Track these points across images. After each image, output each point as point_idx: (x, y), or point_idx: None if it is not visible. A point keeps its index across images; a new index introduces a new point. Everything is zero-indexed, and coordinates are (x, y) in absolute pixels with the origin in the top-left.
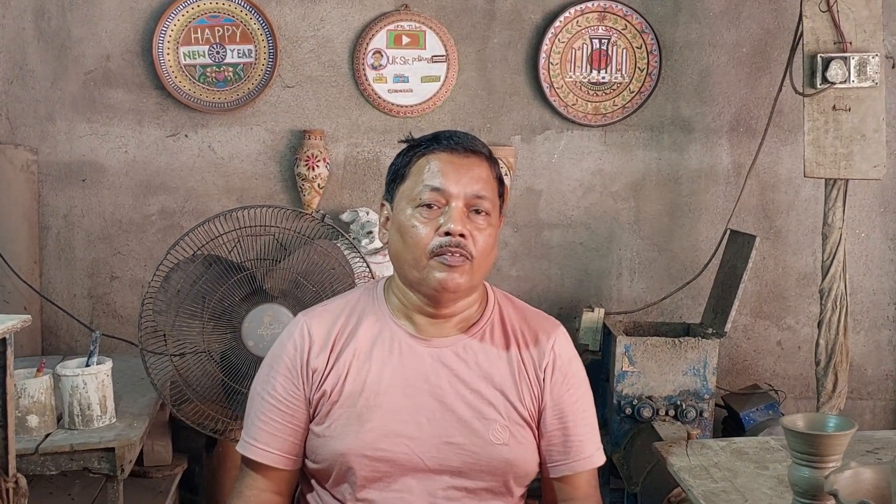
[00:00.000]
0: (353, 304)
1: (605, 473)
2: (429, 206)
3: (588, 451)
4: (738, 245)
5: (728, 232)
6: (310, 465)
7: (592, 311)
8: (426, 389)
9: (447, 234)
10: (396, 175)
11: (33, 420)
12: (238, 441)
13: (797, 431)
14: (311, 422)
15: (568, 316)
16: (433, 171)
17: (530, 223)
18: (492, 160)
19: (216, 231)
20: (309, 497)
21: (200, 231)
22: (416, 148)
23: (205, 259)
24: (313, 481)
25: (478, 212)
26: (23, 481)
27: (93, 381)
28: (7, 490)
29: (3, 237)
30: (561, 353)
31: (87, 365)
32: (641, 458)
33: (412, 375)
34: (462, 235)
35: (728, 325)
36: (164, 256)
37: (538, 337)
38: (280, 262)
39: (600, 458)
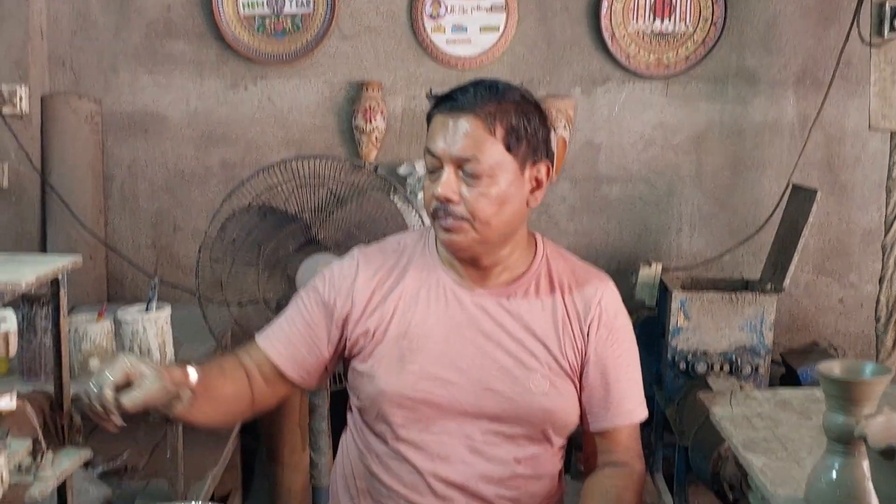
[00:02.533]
0: (405, 247)
1: (659, 428)
2: (431, 170)
3: (629, 406)
4: (800, 200)
5: (790, 186)
6: (354, 401)
7: (650, 266)
8: (468, 337)
9: (435, 198)
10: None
11: (94, 363)
12: (299, 392)
13: (831, 377)
14: (337, 352)
15: (625, 272)
16: (431, 133)
17: (589, 177)
18: (494, 116)
19: (272, 181)
20: (353, 432)
21: (256, 181)
22: (433, 108)
23: (260, 209)
24: (357, 418)
25: (471, 175)
26: (77, 419)
27: (152, 326)
28: (62, 426)
29: (68, 187)
30: (607, 307)
31: (147, 311)
32: (693, 413)
33: (455, 322)
34: (449, 200)
35: (787, 281)
36: (221, 205)
37: (585, 291)
38: (334, 213)
39: (641, 414)
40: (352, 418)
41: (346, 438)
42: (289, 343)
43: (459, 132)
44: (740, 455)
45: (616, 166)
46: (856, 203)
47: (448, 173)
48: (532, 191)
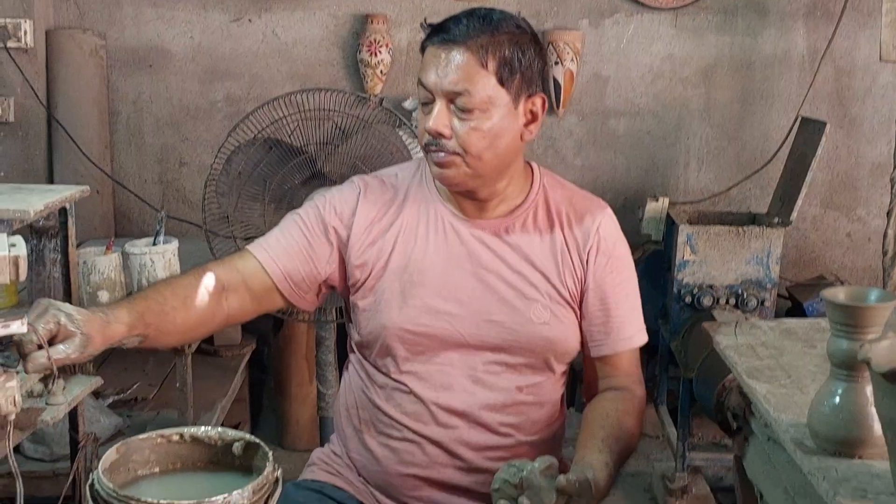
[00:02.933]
0: (402, 179)
1: (664, 362)
2: (424, 102)
3: (629, 331)
4: (809, 132)
5: (799, 119)
6: (356, 337)
7: (657, 200)
8: (468, 269)
9: (427, 131)
10: None
11: (104, 296)
12: (303, 322)
13: (836, 303)
14: (331, 279)
15: (632, 206)
16: (424, 65)
17: (596, 111)
18: (487, 48)
19: (277, 114)
20: (355, 367)
21: (261, 114)
22: (426, 38)
23: (265, 142)
24: (360, 354)
25: (463, 108)
26: None
27: (160, 259)
28: None
29: (74, 122)
30: (605, 235)
31: (154, 244)
32: (698, 346)
33: (455, 255)
34: (440, 134)
35: (794, 214)
36: (226, 138)
37: (583, 219)
38: (340, 146)
39: (641, 339)
40: (353, 353)
41: (347, 373)
42: (285, 255)
43: (451, 65)
44: (744, 382)
45: (623, 100)
46: (865, 136)
47: (440, 107)
48: (527, 124)
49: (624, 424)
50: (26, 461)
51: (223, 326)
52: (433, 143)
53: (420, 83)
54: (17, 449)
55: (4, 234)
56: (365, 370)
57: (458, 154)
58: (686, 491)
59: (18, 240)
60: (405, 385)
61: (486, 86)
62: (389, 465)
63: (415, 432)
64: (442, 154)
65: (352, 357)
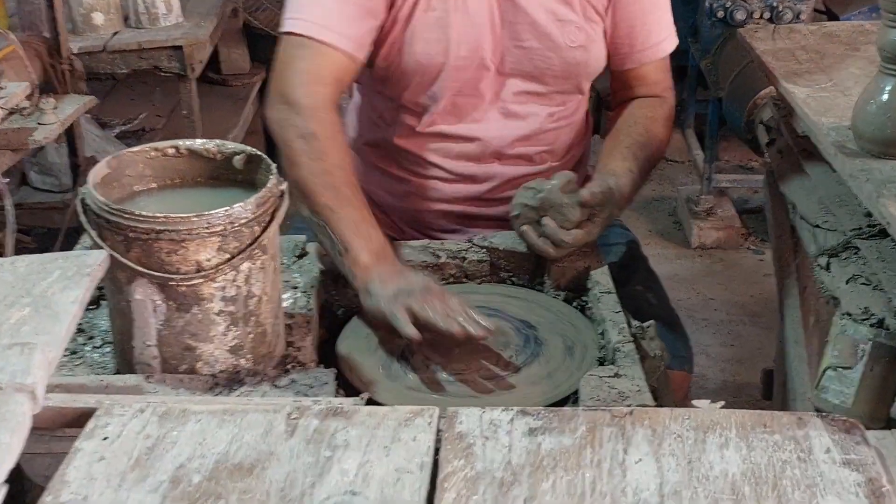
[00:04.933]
0: None
1: (692, 83)
2: None
3: (656, 38)
4: None
5: None
6: (377, 75)
7: None
8: None
9: None
10: None
11: (98, 18)
12: None
13: None
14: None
15: None
16: None
17: None
18: None
19: None
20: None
21: None
22: None
23: None
24: (374, 91)
25: None
26: (78, 63)
27: None
28: (62, 72)
29: None
30: None
31: None
32: (730, 62)
33: None
34: None
35: None
36: None
37: None
38: None
39: (670, 45)
40: (363, 93)
41: (357, 115)
42: (356, 25)
43: None
44: (782, 88)
45: None
46: None
47: None
48: None
49: (651, 130)
50: (35, 192)
51: None
52: None
53: None
54: (24, 181)
55: None
56: (379, 109)
57: None
58: (711, 213)
59: None
60: (433, 127)
61: None
62: (418, 203)
63: (441, 168)
64: None
65: (361, 97)
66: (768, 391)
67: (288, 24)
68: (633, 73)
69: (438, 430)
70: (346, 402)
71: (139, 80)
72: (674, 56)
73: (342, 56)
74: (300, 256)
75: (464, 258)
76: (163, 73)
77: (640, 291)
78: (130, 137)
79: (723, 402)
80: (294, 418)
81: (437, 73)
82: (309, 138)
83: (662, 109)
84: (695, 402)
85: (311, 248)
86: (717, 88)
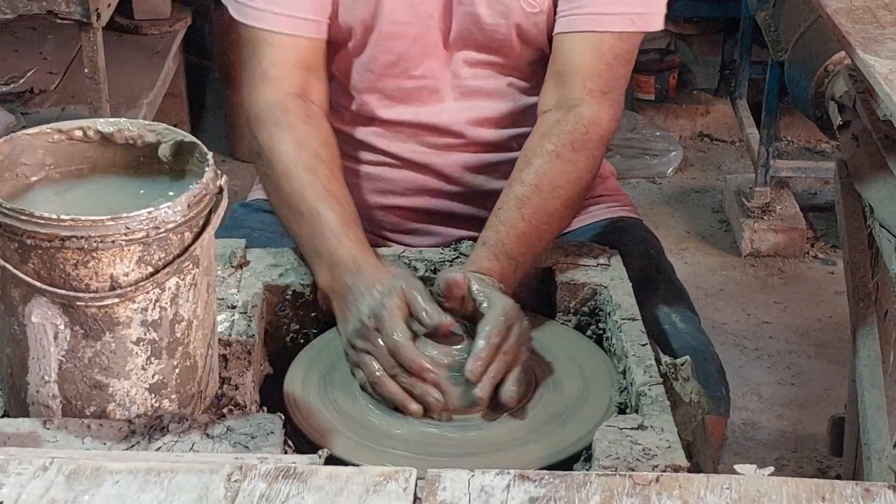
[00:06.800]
0: None
1: (746, 40)
2: None
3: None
4: None
5: None
6: None
7: None
8: None
9: None
10: None
11: None
12: None
13: None
14: None
15: None
16: None
17: None
18: None
19: None
20: None
21: None
22: None
23: None
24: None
25: None
26: None
27: None
28: None
29: None
30: None
31: None
32: (795, 17)
33: None
34: None
35: None
36: None
37: None
38: None
39: (630, 24)
40: None
41: None
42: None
43: None
44: (858, 58)
45: None
46: None
47: None
48: None
49: (551, 175)
50: None
51: None
52: None
53: None
54: None
55: None
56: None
57: None
58: (768, 210)
59: None
60: (392, 117)
61: None
62: (365, 195)
63: (393, 156)
64: None
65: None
66: (837, 446)
67: (233, 9)
68: (558, 52)
69: (416, 499)
70: (301, 461)
71: (26, 26)
72: (723, 5)
73: (304, 42)
74: (239, 267)
75: None
76: (59, 20)
77: (663, 312)
78: (14, 101)
79: (772, 469)
80: (235, 481)
81: (366, 38)
82: (267, 167)
83: (577, 135)
84: (737, 466)
85: (254, 255)
86: (778, 49)
